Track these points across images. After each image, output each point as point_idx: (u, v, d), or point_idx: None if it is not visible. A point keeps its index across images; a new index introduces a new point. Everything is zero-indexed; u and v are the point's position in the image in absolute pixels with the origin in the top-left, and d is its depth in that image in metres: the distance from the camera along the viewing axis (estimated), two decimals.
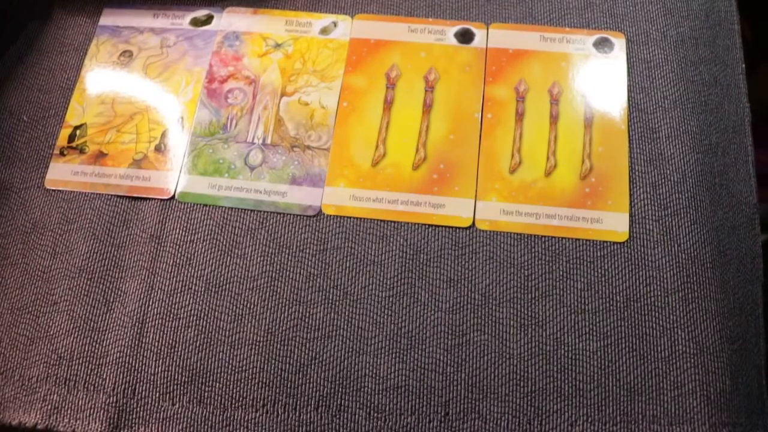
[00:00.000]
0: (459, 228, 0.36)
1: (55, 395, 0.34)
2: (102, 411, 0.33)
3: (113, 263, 0.36)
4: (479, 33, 0.41)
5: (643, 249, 0.35)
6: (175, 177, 0.38)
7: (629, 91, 0.38)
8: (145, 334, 0.34)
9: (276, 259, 0.36)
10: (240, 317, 0.35)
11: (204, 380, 0.33)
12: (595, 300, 0.34)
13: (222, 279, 0.35)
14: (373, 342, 0.34)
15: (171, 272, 0.36)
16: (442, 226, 0.36)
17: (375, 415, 0.33)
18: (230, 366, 0.34)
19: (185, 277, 0.36)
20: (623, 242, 0.35)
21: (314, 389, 0.33)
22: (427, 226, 0.36)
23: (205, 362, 0.34)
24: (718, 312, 0.34)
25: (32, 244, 0.37)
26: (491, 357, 0.33)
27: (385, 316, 0.34)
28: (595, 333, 0.33)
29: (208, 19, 0.42)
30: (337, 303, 0.35)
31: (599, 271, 0.35)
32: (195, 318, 0.35)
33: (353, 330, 0.34)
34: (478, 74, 0.39)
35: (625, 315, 0.34)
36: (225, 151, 0.38)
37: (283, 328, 0.34)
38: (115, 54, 0.42)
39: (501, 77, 0.39)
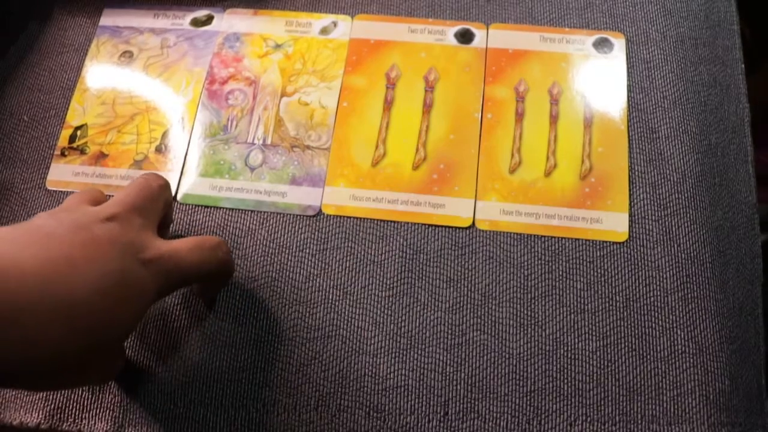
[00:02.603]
0: (459, 228, 0.36)
1: (59, 394, 0.34)
2: (107, 410, 0.33)
3: None
4: (479, 33, 0.41)
5: (643, 249, 0.35)
6: (175, 178, 0.38)
7: (629, 91, 0.39)
8: (146, 335, 0.35)
9: (276, 259, 0.36)
10: (240, 317, 0.35)
11: (205, 381, 0.34)
12: (594, 300, 0.34)
13: None
14: (372, 342, 0.34)
15: None
16: (442, 226, 0.36)
17: (374, 414, 0.33)
18: (230, 366, 0.34)
19: None
20: (623, 242, 0.35)
21: (314, 389, 0.33)
22: (427, 226, 0.36)
23: (206, 363, 0.34)
24: (718, 312, 0.34)
25: None
26: (491, 357, 0.33)
27: (385, 316, 0.34)
28: (594, 333, 0.33)
29: (209, 20, 0.42)
30: (337, 303, 0.35)
31: (599, 271, 0.35)
32: (196, 319, 0.35)
33: (353, 330, 0.34)
34: (478, 74, 0.39)
35: (624, 315, 0.34)
36: (225, 152, 0.38)
37: (283, 327, 0.34)
38: (116, 54, 0.42)
39: (501, 77, 0.39)
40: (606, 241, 0.35)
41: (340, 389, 0.33)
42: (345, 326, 0.34)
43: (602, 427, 0.32)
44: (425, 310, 0.34)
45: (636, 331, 0.33)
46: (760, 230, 0.36)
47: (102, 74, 0.41)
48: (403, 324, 0.34)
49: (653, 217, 0.35)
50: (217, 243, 0.31)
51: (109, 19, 0.43)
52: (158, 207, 0.31)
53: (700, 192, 0.36)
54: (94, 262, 0.25)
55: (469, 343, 0.34)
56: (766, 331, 0.35)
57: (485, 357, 0.33)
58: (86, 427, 0.33)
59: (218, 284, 0.34)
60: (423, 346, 0.34)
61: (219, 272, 0.33)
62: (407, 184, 0.37)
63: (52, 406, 0.34)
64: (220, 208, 0.37)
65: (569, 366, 0.33)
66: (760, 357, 0.34)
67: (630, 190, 0.36)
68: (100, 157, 0.39)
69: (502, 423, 0.32)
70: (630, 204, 0.36)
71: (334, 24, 0.42)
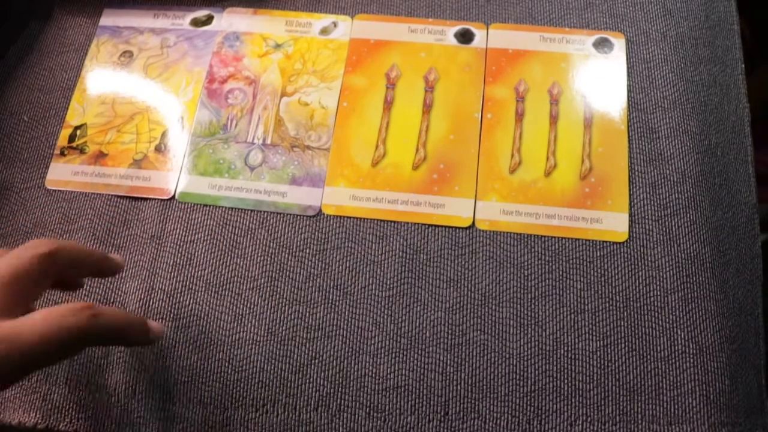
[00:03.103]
0: (459, 228, 0.36)
1: (56, 395, 0.34)
2: (106, 410, 0.33)
3: None
4: (479, 33, 0.41)
5: (643, 249, 0.35)
6: (175, 177, 0.38)
7: (629, 91, 0.39)
8: None
9: (276, 259, 0.36)
10: (240, 317, 0.35)
11: (204, 380, 0.33)
12: (594, 300, 0.34)
13: (222, 279, 0.35)
14: (372, 342, 0.34)
15: (171, 272, 0.36)
16: (442, 226, 0.36)
17: (375, 414, 0.33)
18: (230, 366, 0.34)
19: (185, 278, 0.36)
20: (623, 242, 0.35)
21: (314, 389, 0.33)
22: (427, 226, 0.36)
23: (206, 362, 0.34)
24: (718, 312, 0.34)
25: None
26: (491, 357, 0.33)
27: (385, 316, 0.34)
28: (594, 333, 0.33)
29: (209, 20, 0.42)
30: (337, 303, 0.35)
31: (599, 271, 0.35)
32: (195, 318, 0.35)
33: (353, 330, 0.34)
34: (478, 74, 0.39)
35: (624, 315, 0.34)
36: (225, 151, 0.38)
37: (283, 328, 0.34)
38: (116, 54, 0.42)
39: (501, 77, 0.39)
40: (606, 241, 0.35)
41: (340, 389, 0.33)
42: (345, 326, 0.34)
43: (602, 427, 0.32)
44: (425, 310, 0.34)
45: (636, 331, 0.33)
46: (760, 230, 0.37)
47: (102, 74, 0.41)
48: (403, 324, 0.34)
49: (653, 217, 0.35)
50: (76, 309, 0.26)
51: (109, 19, 0.43)
52: (25, 284, 0.27)
53: (700, 192, 0.36)
54: None
55: (469, 343, 0.34)
56: (766, 331, 0.35)
57: (485, 357, 0.33)
58: (84, 426, 0.33)
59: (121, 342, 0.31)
60: (423, 346, 0.34)
61: (91, 340, 0.28)
62: (407, 184, 0.37)
63: (50, 406, 0.34)
64: (220, 207, 0.37)
65: (569, 366, 0.33)
66: (760, 357, 0.34)
67: (630, 190, 0.36)
68: (100, 157, 0.39)
69: (502, 423, 0.32)
70: (630, 204, 0.36)
71: (334, 24, 0.42)
